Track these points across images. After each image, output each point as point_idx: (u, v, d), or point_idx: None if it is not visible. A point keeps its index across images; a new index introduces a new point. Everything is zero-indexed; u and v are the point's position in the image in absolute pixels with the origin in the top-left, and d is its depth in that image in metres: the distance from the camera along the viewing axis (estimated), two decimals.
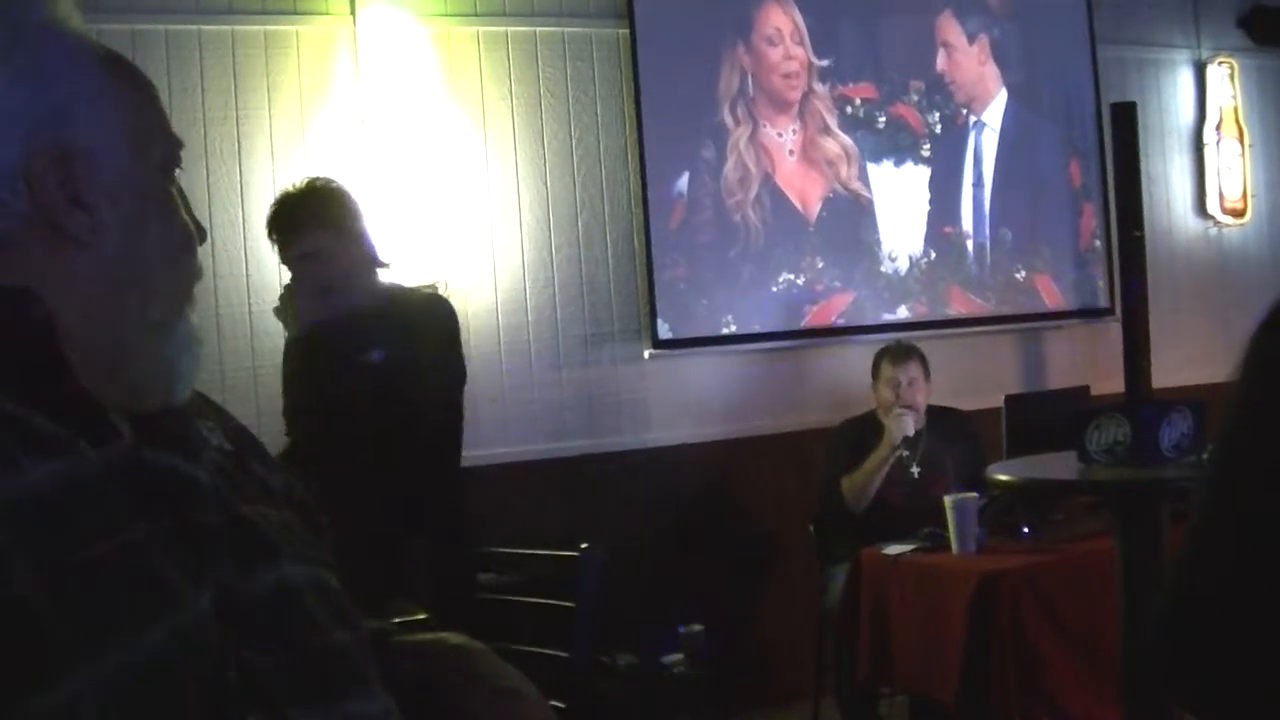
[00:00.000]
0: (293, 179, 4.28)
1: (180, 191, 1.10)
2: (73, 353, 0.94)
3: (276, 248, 3.03)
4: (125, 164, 1.02)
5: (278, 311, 3.13)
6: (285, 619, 1.00)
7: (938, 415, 4.46)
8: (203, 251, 1.11)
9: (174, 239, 1.06)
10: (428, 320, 3.01)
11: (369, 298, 2.99)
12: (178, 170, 1.10)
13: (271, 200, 3.09)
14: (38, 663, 0.79)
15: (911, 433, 4.25)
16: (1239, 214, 6.21)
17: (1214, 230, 6.23)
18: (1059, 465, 3.35)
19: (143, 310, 1.02)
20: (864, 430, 4.39)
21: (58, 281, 0.96)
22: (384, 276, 3.08)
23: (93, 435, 0.91)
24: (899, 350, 4.44)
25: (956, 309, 5.48)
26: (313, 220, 2.96)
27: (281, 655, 0.97)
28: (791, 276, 5.11)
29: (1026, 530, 3.83)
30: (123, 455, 0.93)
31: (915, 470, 4.31)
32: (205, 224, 1.14)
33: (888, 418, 4.28)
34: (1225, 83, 6.19)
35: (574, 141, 4.83)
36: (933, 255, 5.44)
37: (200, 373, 1.08)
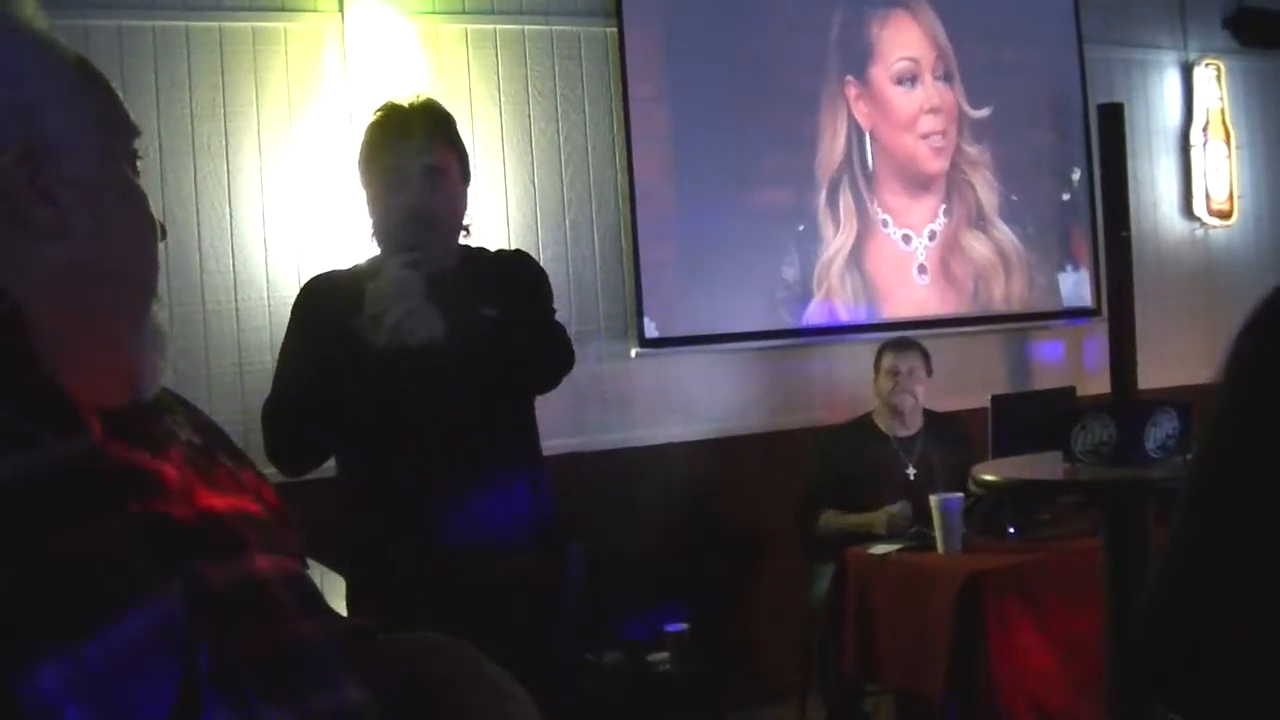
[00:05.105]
0: (280, 177, 4.33)
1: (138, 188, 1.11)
2: (41, 347, 0.94)
3: (391, 155, 2.50)
4: (92, 158, 1.03)
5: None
6: (254, 611, 1.00)
7: (938, 421, 4.48)
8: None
9: (139, 233, 1.08)
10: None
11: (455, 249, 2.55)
12: (142, 162, 1.10)
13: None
14: (3, 654, 0.79)
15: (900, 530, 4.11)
16: (1225, 216, 6.23)
17: (1200, 232, 6.25)
18: (1045, 465, 3.36)
19: (110, 304, 1.03)
20: (855, 439, 4.40)
21: (25, 275, 0.97)
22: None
23: (60, 429, 0.91)
24: (901, 341, 4.52)
25: (943, 308, 5.49)
26: (448, 134, 2.53)
27: (251, 647, 0.97)
28: (779, 275, 5.12)
29: (1013, 530, 3.85)
30: (90, 449, 0.94)
31: (911, 472, 4.32)
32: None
33: (883, 510, 4.13)
34: (1212, 84, 6.21)
35: (562, 139, 4.82)
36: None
37: (168, 367, 1.09)
